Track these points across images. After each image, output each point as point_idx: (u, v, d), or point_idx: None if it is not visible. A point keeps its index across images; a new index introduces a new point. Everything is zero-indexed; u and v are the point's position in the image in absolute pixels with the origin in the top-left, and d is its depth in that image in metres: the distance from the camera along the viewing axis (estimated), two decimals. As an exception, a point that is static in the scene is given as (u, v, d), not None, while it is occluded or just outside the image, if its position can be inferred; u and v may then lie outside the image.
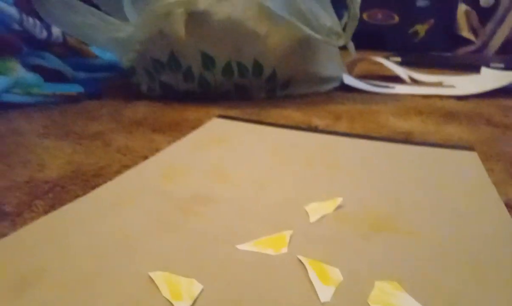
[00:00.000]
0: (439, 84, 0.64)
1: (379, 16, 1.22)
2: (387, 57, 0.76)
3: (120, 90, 0.55)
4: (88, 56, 0.56)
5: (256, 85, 0.52)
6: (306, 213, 0.23)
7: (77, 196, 0.25)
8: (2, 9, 0.47)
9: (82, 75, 0.53)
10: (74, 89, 0.49)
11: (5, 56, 0.46)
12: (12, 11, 0.48)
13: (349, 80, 0.60)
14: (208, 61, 0.49)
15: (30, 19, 0.50)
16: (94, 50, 0.58)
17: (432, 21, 1.18)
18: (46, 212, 0.23)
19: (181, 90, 0.51)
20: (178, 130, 0.39)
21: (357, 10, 0.49)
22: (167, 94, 0.52)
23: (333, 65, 0.57)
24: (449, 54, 1.12)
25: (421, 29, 1.20)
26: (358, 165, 0.31)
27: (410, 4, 1.17)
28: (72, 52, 0.54)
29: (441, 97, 0.56)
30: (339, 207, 0.24)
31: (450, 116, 0.46)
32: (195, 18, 0.48)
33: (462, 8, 1.18)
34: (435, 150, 0.34)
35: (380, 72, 0.70)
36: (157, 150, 0.33)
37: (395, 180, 0.28)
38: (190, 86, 0.51)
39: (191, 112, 0.46)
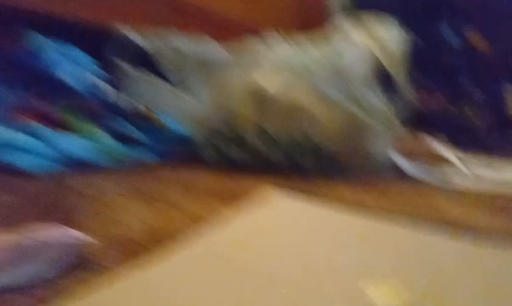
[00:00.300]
0: (492, 167, 0.63)
1: (428, 99, 1.25)
2: (437, 140, 0.77)
3: (187, 158, 0.61)
4: (160, 126, 0.62)
5: (310, 162, 0.55)
6: (370, 299, 0.24)
7: (151, 255, 0.27)
8: (94, 82, 0.56)
9: (155, 143, 0.59)
10: (148, 155, 0.55)
11: (91, 122, 0.53)
12: (102, 84, 0.57)
13: (401, 162, 0.61)
14: (267, 136, 0.54)
15: (115, 91, 0.58)
16: (166, 121, 0.65)
17: (480, 103, 1.18)
18: (125, 269, 0.25)
19: (241, 162, 0.56)
20: (239, 200, 0.42)
21: (408, 95, 0.54)
22: (229, 165, 0.56)
23: (384, 147, 0.60)
24: (499, 137, 1.10)
25: (470, 111, 1.20)
26: (414, 250, 0.31)
27: (459, 86, 1.19)
28: (147, 121, 0.61)
29: (497, 184, 0.55)
30: (399, 292, 0.24)
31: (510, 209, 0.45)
32: (257, 97, 0.53)
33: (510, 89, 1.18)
34: (495, 246, 0.34)
35: (431, 155, 0.71)
36: (219, 218, 0.36)
37: (453, 271, 0.28)
38: (249, 158, 0.55)
39: (250, 183, 0.49)
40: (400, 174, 0.60)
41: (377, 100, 0.56)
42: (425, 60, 1.24)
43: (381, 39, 0.55)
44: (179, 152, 0.62)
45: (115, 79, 0.57)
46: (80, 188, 0.42)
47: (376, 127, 0.55)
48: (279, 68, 0.53)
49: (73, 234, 0.26)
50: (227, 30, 1.05)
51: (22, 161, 0.43)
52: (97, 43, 0.61)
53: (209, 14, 1.02)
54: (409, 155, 0.72)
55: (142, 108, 0.61)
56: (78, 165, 0.49)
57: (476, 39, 1.22)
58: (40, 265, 0.24)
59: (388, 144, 0.61)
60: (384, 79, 0.57)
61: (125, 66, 0.56)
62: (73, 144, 0.49)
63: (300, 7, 1.55)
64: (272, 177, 0.51)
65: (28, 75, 0.56)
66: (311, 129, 0.54)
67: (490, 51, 1.20)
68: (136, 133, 0.57)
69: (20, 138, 0.46)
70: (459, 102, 1.23)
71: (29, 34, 0.57)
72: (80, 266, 0.25)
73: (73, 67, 0.56)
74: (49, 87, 0.56)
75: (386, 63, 0.53)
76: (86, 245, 0.27)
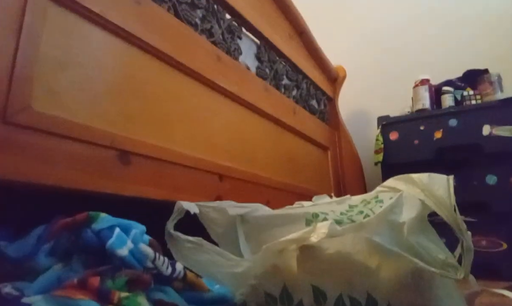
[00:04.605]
0: None
1: (484, 243, 1.29)
2: (507, 288, 0.75)
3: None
4: (202, 290, 0.59)
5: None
6: None
7: None
8: (142, 249, 0.53)
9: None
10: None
11: (137, 291, 0.50)
12: (149, 250, 0.54)
13: None
14: (319, 295, 0.51)
15: (161, 257, 0.55)
16: (207, 283, 0.61)
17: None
18: None
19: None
20: None
21: (470, 243, 0.49)
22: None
23: (452, 299, 0.55)
24: None
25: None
26: None
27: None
28: (189, 286, 0.58)
29: None
30: None
31: None
32: (307, 253, 0.50)
33: None
34: None
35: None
36: None
37: None
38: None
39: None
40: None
41: (436, 248, 0.53)
42: (471, 203, 1.25)
43: (429, 189, 0.52)
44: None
45: (167, 249, 0.55)
46: None
47: (439, 278, 0.52)
48: (328, 224, 0.49)
49: None
50: (274, 194, 1.19)
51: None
52: (155, 216, 0.61)
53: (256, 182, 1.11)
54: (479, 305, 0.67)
55: (188, 273, 0.58)
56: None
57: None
58: None
59: (455, 295, 0.56)
60: (439, 227, 0.54)
61: (177, 234, 0.54)
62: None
63: (338, 173, 1.80)
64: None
65: (89, 253, 0.55)
66: (369, 284, 0.50)
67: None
68: (179, 300, 0.55)
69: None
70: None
71: (94, 214, 0.55)
72: None
73: (129, 240, 0.54)
74: (104, 261, 0.54)
75: (438, 210, 0.50)
76: None
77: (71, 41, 0.65)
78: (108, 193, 0.67)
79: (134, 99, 0.76)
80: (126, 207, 0.65)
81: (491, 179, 1.42)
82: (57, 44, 0.62)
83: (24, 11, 0.57)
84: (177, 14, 0.90)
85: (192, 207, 0.57)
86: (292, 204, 0.72)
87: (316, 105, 1.72)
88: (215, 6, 1.06)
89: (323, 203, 0.65)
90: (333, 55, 1.86)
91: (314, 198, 0.70)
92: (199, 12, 0.99)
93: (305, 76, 1.60)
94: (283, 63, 1.44)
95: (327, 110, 1.83)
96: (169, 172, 0.81)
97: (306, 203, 0.68)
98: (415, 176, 0.54)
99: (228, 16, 1.13)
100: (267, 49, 1.33)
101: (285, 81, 1.45)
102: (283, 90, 1.41)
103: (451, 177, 0.53)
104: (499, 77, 1.63)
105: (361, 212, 0.58)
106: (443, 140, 1.53)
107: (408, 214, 0.54)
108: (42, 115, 0.58)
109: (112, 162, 0.69)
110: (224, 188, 0.97)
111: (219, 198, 0.93)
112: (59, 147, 0.60)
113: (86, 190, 0.63)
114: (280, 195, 1.22)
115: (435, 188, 0.52)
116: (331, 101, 1.89)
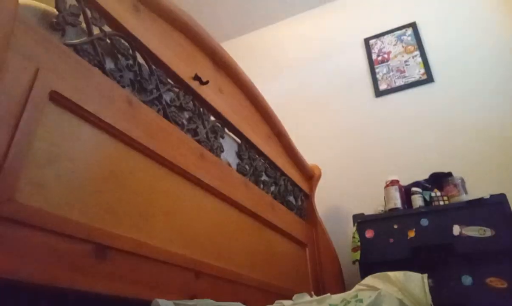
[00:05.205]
0: None
1: None
2: None
3: None
4: None
5: None
6: None
7: None
8: None
9: None
10: None
11: None
12: None
13: None
14: None
15: None
16: None
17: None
18: None
19: None
20: None
21: None
22: None
23: None
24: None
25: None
26: None
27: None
28: None
29: None
30: None
31: None
32: None
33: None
34: None
35: None
36: None
37: None
38: None
39: None
40: None
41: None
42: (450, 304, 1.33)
43: (406, 287, 0.57)
44: None
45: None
46: None
47: None
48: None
49: None
50: (252, 293, 1.17)
51: None
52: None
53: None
54: None
55: None
56: None
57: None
58: None
59: None
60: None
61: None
62: None
63: (317, 270, 1.79)
64: None
65: None
66: None
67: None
68: None
69: None
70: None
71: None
72: None
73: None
74: None
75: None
76: None
77: (63, 137, 0.68)
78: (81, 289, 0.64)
79: (117, 192, 0.77)
80: (102, 302, 0.62)
81: (467, 280, 1.43)
82: (49, 140, 0.65)
83: (23, 109, 0.61)
84: (165, 115, 0.97)
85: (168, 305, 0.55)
86: (270, 303, 0.71)
87: (293, 202, 1.76)
88: (201, 109, 1.15)
89: (304, 302, 0.64)
90: (309, 155, 1.98)
91: (294, 297, 0.69)
92: (186, 114, 1.07)
93: (282, 174, 1.67)
94: (262, 161, 1.51)
95: (304, 207, 1.87)
96: (145, 267, 0.79)
97: (286, 302, 0.67)
98: (391, 274, 0.56)
99: (212, 118, 1.21)
100: (247, 148, 1.41)
101: (264, 177, 1.51)
102: (262, 186, 1.45)
103: (425, 276, 0.55)
104: (462, 180, 1.75)
105: (343, 312, 0.57)
106: (417, 240, 1.56)
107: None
108: (24, 207, 0.58)
109: (87, 256, 0.67)
110: (201, 286, 0.94)
111: (195, 297, 0.89)
112: (36, 239, 0.59)
113: (58, 286, 0.61)
114: (258, 293, 1.18)
115: (412, 286, 0.53)
116: (308, 198, 1.94)
